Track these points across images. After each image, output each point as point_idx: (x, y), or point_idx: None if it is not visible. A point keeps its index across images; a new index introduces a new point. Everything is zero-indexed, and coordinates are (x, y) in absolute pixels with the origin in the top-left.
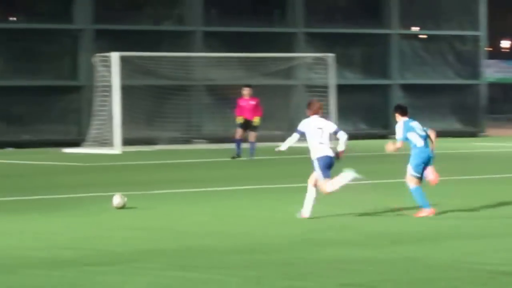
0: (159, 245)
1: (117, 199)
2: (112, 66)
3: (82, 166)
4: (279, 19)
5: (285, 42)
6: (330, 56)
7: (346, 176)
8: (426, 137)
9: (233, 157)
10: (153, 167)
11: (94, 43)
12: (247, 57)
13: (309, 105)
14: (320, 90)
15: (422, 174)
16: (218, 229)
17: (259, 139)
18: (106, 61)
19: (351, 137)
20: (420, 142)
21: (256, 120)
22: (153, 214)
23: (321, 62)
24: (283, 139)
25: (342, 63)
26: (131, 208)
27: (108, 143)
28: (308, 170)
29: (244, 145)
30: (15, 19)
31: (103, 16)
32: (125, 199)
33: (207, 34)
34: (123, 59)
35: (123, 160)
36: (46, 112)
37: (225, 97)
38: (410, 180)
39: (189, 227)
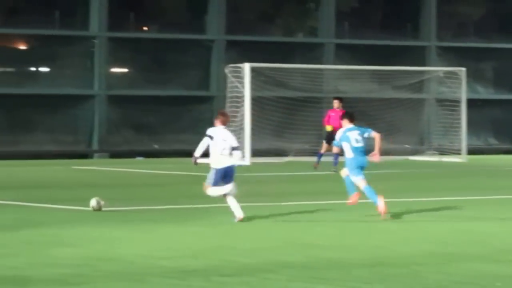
0: (286, 256)
1: (93, 202)
2: (243, 77)
3: None
4: (411, 33)
5: (417, 56)
6: (461, 70)
7: (225, 188)
8: None
9: (334, 171)
10: (281, 178)
11: (226, 54)
12: (378, 70)
13: (221, 115)
14: (451, 104)
15: None
16: (345, 242)
17: (388, 152)
18: (237, 72)
19: (480, 151)
20: None
21: None
22: (280, 225)
23: (453, 76)
24: (413, 152)
25: (474, 77)
26: (259, 219)
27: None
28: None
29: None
30: (146, 29)
31: (235, 27)
32: (102, 203)
33: (339, 47)
34: (254, 70)
35: (251, 171)
36: (177, 122)
37: (355, 110)
38: None
39: (315, 239)
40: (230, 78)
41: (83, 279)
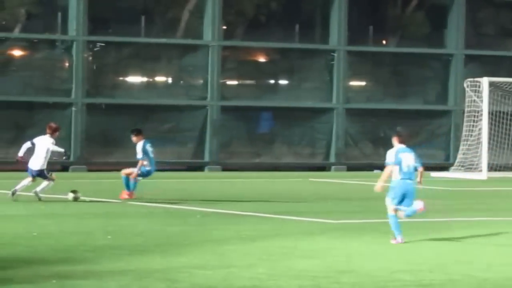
0: None
1: (70, 195)
2: (482, 91)
3: (449, 191)
4: None
5: None
6: None
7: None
8: None
9: None
10: None
11: (465, 68)
12: None
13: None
14: None
15: None
16: None
17: None
18: (476, 86)
19: None
20: None
21: None
22: None
23: None
24: None
25: None
26: (495, 234)
27: (474, 168)
28: None
29: None
30: (385, 42)
31: (474, 41)
32: (78, 194)
33: None
34: (493, 85)
35: (488, 186)
36: (414, 136)
37: None
38: None
39: None
40: (469, 92)
41: None
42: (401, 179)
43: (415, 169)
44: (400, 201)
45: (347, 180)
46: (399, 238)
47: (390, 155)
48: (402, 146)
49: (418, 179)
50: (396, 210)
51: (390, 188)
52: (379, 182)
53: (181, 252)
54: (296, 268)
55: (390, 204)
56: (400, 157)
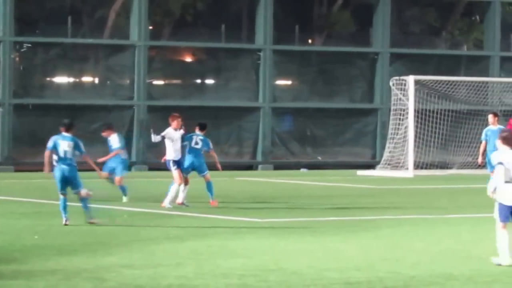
0: (450, 269)
1: None
2: (408, 89)
3: (376, 189)
4: None
5: None
6: None
7: None
8: None
9: None
10: (445, 191)
11: (391, 66)
12: None
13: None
14: None
15: None
16: None
17: None
18: (402, 84)
19: None
20: None
21: None
22: (444, 238)
23: None
24: None
25: None
26: (423, 231)
27: (401, 166)
28: None
29: None
30: (311, 41)
31: (399, 40)
32: None
33: (504, 59)
34: (419, 83)
35: (415, 184)
36: (341, 134)
37: None
38: None
39: (480, 252)
40: (395, 90)
41: None
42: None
43: None
44: None
45: (274, 179)
46: None
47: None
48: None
49: None
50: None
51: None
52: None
53: (109, 252)
54: (224, 267)
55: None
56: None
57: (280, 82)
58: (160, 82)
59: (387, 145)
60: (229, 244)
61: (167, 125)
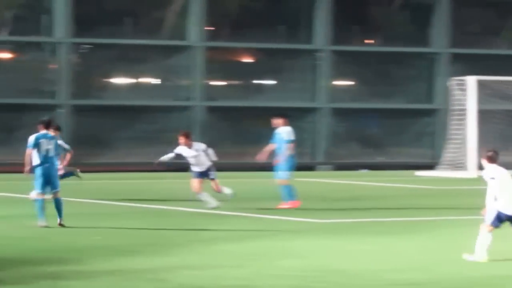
0: (511, 271)
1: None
2: (468, 90)
3: (435, 190)
4: None
5: None
6: None
7: None
8: None
9: None
10: None
11: (450, 67)
12: None
13: None
14: None
15: None
16: None
17: None
18: (462, 84)
19: None
20: None
21: None
22: (506, 239)
23: None
24: None
25: None
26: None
27: (462, 167)
28: None
29: None
30: (371, 42)
31: (459, 40)
32: None
33: None
34: (480, 83)
35: (476, 185)
36: (400, 135)
37: None
38: None
39: None
40: (454, 90)
41: None
42: None
43: None
44: None
45: (333, 179)
46: None
47: None
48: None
49: None
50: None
51: None
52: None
53: (170, 253)
54: (284, 268)
55: None
56: None
57: (338, 82)
58: (218, 83)
59: (447, 145)
60: (288, 245)
61: (225, 125)
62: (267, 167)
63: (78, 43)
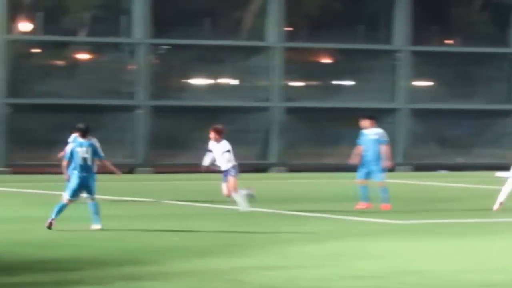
0: None
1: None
2: None
3: None
4: None
5: None
6: None
7: None
8: None
9: None
10: None
11: None
12: None
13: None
14: None
15: None
16: None
17: None
18: None
19: None
20: None
21: None
22: None
23: None
24: None
25: None
26: None
27: None
28: None
29: None
30: (450, 42)
31: None
32: None
33: None
34: None
35: None
36: (480, 136)
37: None
38: None
39: None
40: None
41: None
42: None
43: None
44: None
45: (413, 180)
46: None
47: None
48: None
49: None
50: None
51: None
52: None
53: (247, 253)
54: (362, 269)
55: None
56: None
57: (418, 83)
58: (297, 84)
59: None
60: (367, 246)
61: (304, 126)
62: (346, 168)
63: (156, 44)
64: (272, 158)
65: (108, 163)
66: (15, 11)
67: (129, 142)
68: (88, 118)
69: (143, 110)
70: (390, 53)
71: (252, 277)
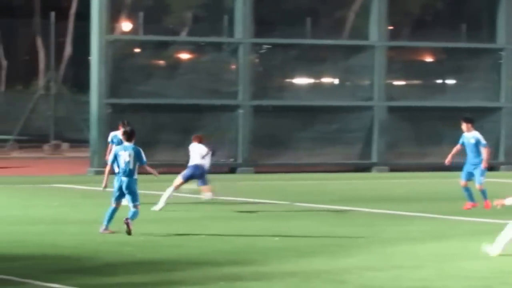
0: None
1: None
2: None
3: None
4: None
5: None
6: None
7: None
8: None
9: None
10: None
11: None
12: None
13: None
14: None
15: None
16: None
17: None
18: None
19: None
20: None
21: None
22: None
23: None
24: None
25: None
26: None
27: None
28: None
29: None
30: None
31: None
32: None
33: None
34: None
35: None
36: None
37: None
38: None
39: None
40: None
41: None
42: None
43: None
44: None
45: None
46: None
47: None
48: None
49: None
50: None
51: None
52: None
53: (349, 253)
54: (466, 269)
55: None
56: None
57: None
58: (400, 83)
59: None
60: (470, 246)
61: (405, 125)
62: (448, 168)
63: (257, 44)
64: (374, 158)
65: (148, 168)
66: (116, 11)
67: (230, 142)
68: (189, 118)
69: (244, 110)
70: (493, 51)
71: (353, 277)
